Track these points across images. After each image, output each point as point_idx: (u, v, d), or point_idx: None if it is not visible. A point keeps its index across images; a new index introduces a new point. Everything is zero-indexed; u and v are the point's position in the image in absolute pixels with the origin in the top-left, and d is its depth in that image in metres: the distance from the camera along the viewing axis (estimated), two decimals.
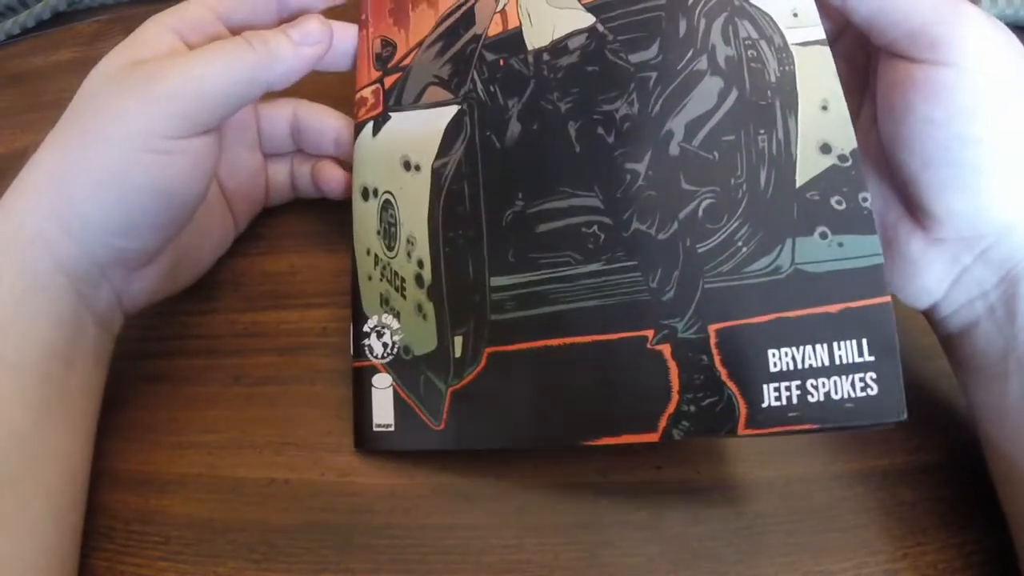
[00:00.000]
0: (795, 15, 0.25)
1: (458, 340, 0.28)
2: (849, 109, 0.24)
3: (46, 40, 0.47)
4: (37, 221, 0.26)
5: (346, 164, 0.32)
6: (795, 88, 0.25)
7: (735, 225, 0.24)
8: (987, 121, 0.23)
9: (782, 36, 0.25)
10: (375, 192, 0.31)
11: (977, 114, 0.23)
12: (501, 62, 0.29)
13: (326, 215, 0.36)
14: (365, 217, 0.31)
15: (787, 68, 0.25)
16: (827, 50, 0.25)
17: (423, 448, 0.29)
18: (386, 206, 0.30)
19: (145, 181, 0.26)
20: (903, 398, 0.22)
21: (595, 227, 0.26)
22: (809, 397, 0.23)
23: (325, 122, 0.33)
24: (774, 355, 0.23)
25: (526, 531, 0.29)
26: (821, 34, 0.25)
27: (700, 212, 0.25)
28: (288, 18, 0.30)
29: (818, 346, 0.23)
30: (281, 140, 0.34)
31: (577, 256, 0.26)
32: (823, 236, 0.24)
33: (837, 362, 0.23)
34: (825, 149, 0.24)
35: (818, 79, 0.24)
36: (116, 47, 0.27)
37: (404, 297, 0.30)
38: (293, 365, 0.33)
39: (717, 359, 0.24)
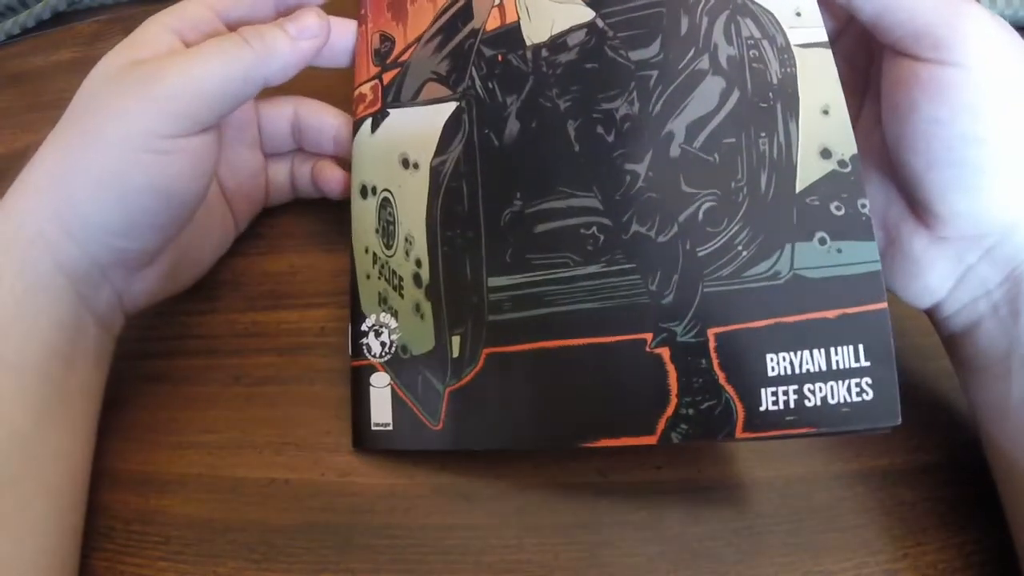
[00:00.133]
0: (798, 14, 0.25)
1: (456, 340, 0.28)
2: (850, 110, 0.24)
3: (46, 40, 0.47)
4: (37, 221, 0.26)
5: (345, 164, 0.32)
6: (796, 91, 0.25)
7: (735, 229, 0.24)
8: (991, 120, 0.23)
9: (784, 36, 0.25)
10: (374, 190, 0.31)
11: (981, 113, 0.23)
12: (500, 58, 0.29)
13: (326, 215, 0.36)
14: (364, 215, 0.31)
15: (789, 70, 0.25)
16: (829, 53, 0.24)
17: (421, 448, 0.29)
18: (385, 204, 0.30)
19: (145, 181, 0.26)
20: (898, 403, 0.22)
21: (594, 228, 0.26)
22: (806, 401, 0.23)
23: (324, 120, 0.33)
24: (772, 359, 0.23)
25: (526, 531, 0.29)
26: (823, 36, 0.25)
27: (700, 215, 0.25)
28: (285, 12, 0.30)
29: (815, 351, 0.23)
30: (282, 139, 0.34)
31: (576, 258, 0.26)
32: (822, 242, 0.24)
33: (834, 367, 0.23)
34: (825, 154, 0.24)
35: (819, 83, 0.24)
36: (115, 47, 0.27)
37: (402, 296, 0.30)
38: (293, 365, 0.33)
39: (716, 363, 0.24)
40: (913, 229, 0.25)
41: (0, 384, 0.25)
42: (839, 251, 0.23)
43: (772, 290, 0.24)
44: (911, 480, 0.28)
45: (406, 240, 0.30)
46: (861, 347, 0.23)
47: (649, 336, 0.25)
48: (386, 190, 0.30)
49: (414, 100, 0.30)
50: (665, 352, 0.25)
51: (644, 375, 0.25)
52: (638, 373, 0.25)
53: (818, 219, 0.24)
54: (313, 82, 0.32)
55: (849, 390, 0.23)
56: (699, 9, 0.26)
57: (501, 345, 0.27)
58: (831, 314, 0.23)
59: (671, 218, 0.25)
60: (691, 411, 0.24)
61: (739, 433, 0.23)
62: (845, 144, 0.24)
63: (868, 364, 0.23)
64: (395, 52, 0.31)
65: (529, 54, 0.28)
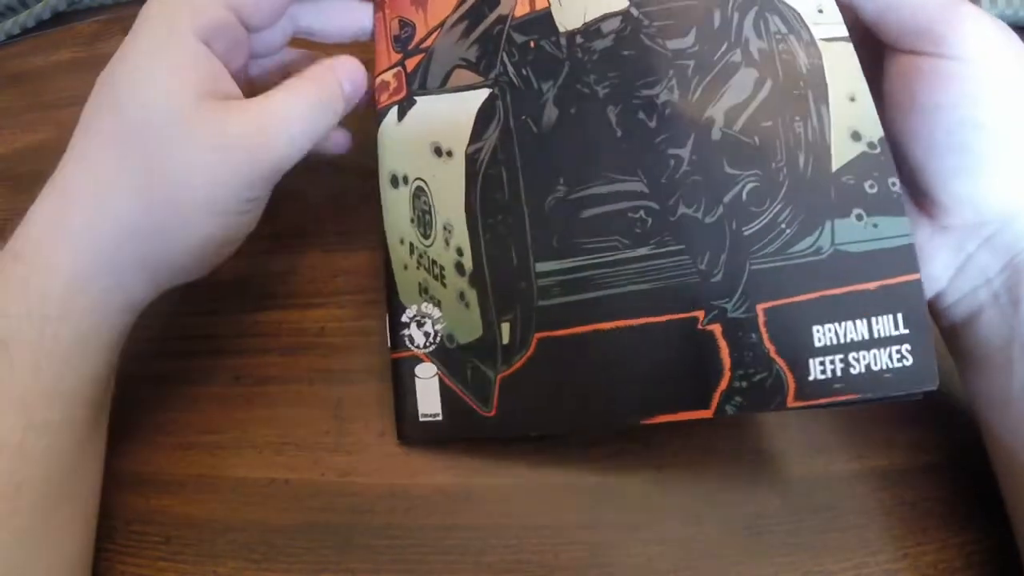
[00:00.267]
0: (820, 11, 0.26)
1: (505, 327, 0.28)
2: None
3: (46, 40, 0.47)
4: (120, 270, 0.26)
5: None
6: (824, 80, 0.25)
7: (778, 208, 0.25)
8: (991, 108, 0.24)
9: (809, 31, 0.26)
10: (405, 179, 0.31)
11: (981, 101, 0.24)
12: (532, 44, 0.29)
13: (327, 215, 0.36)
14: (396, 205, 0.31)
15: (816, 61, 0.25)
16: (850, 46, 0.25)
17: (475, 436, 0.29)
18: (418, 193, 0.30)
19: (226, 235, 0.28)
20: (935, 368, 0.24)
21: (641, 212, 0.27)
22: (852, 369, 0.24)
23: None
24: (818, 331, 0.24)
25: (526, 531, 0.29)
26: (844, 31, 0.25)
27: (744, 195, 0.25)
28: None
29: (858, 321, 0.24)
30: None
31: (624, 241, 0.27)
32: (859, 218, 0.24)
33: (876, 336, 0.24)
34: (856, 136, 0.25)
35: (844, 73, 0.25)
36: (148, 61, 0.26)
37: (444, 285, 0.30)
38: (293, 365, 0.33)
39: (765, 336, 0.25)
40: (915, 219, 0.26)
41: (51, 416, 0.25)
42: (875, 226, 0.24)
43: (816, 265, 0.25)
44: (911, 480, 0.29)
45: (444, 229, 0.30)
46: (900, 316, 0.24)
47: (701, 314, 0.25)
48: (419, 179, 0.30)
49: (442, 87, 0.30)
50: (717, 328, 0.25)
51: (697, 352, 0.25)
52: (691, 350, 0.26)
53: (854, 197, 0.25)
54: None
55: (891, 356, 0.24)
56: (730, 5, 0.26)
57: (552, 329, 0.28)
58: (871, 286, 0.24)
59: (716, 199, 0.26)
60: (744, 384, 0.25)
61: (790, 402, 0.24)
62: (872, 128, 0.25)
63: (907, 331, 0.24)
64: (417, 38, 0.31)
65: (563, 40, 0.28)
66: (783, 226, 0.25)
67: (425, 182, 0.30)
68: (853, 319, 0.24)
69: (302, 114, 0.28)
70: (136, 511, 0.31)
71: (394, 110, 0.31)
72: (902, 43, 0.25)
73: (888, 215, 0.24)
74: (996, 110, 0.24)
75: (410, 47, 0.31)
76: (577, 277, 0.27)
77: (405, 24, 0.31)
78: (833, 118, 0.25)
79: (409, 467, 0.30)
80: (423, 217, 0.30)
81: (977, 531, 0.27)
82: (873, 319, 0.24)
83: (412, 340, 0.30)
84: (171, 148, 0.26)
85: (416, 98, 0.30)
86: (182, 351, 0.34)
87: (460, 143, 0.29)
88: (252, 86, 0.30)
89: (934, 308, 0.27)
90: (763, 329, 0.25)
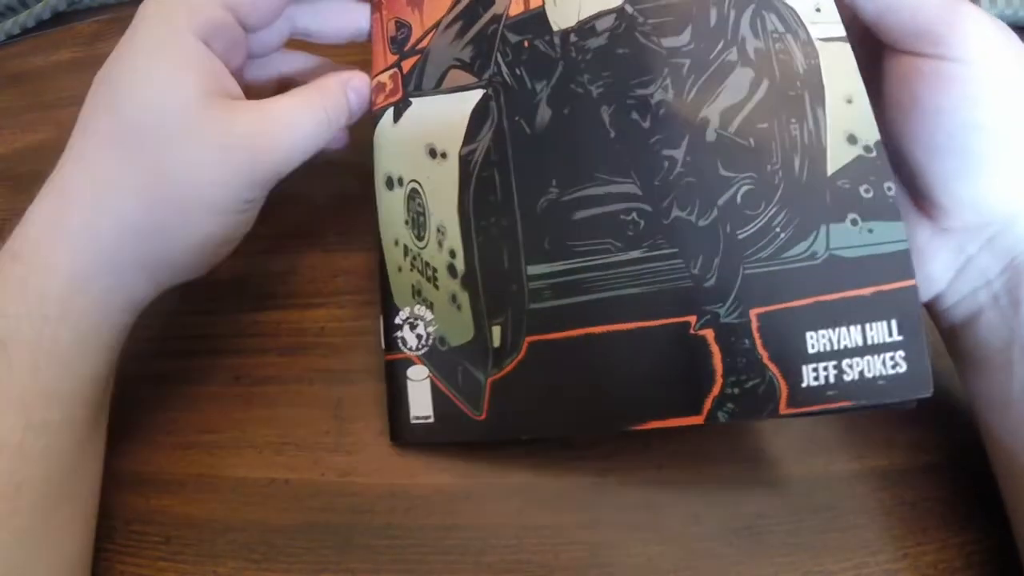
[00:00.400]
0: (818, 10, 0.26)
1: (496, 330, 0.28)
2: None
3: (46, 40, 0.47)
4: (117, 271, 0.26)
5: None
6: (821, 81, 0.25)
7: (773, 211, 0.25)
8: (991, 110, 0.24)
9: (806, 31, 0.26)
10: (400, 181, 0.30)
11: (982, 103, 0.23)
12: (526, 43, 0.28)
13: (326, 215, 0.36)
14: (391, 207, 0.31)
15: (812, 62, 0.25)
16: (848, 46, 0.25)
17: (465, 439, 0.29)
18: (413, 195, 0.30)
19: (225, 234, 0.28)
20: (930, 375, 0.23)
21: (634, 214, 0.26)
22: (845, 376, 0.24)
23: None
24: (812, 337, 0.24)
25: (526, 531, 0.29)
26: (842, 31, 0.25)
27: (739, 198, 0.25)
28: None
29: (852, 327, 0.24)
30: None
31: (617, 244, 0.26)
32: (854, 223, 0.24)
33: (870, 342, 0.24)
34: (852, 140, 0.25)
35: (841, 74, 0.25)
36: (148, 61, 0.26)
37: (437, 287, 0.29)
38: (293, 365, 0.33)
39: (759, 342, 0.25)
40: (916, 221, 0.26)
41: (51, 416, 0.25)
42: (870, 231, 0.24)
43: (810, 270, 0.24)
44: (911, 480, 0.29)
45: (438, 231, 0.29)
46: (894, 322, 0.24)
47: (693, 319, 0.25)
48: (413, 181, 0.30)
49: (437, 88, 0.30)
50: (709, 334, 0.25)
51: (689, 357, 0.25)
52: (683, 355, 0.25)
53: (849, 201, 0.24)
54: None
55: (884, 363, 0.24)
56: (726, 2, 0.26)
57: (543, 333, 0.27)
58: (866, 291, 0.24)
59: (711, 202, 0.25)
60: (736, 390, 0.25)
61: (783, 409, 0.24)
62: (869, 131, 0.25)
63: (901, 338, 0.23)
64: (413, 39, 0.31)
65: (557, 39, 0.28)
66: (778, 230, 0.25)
67: (420, 184, 0.30)
68: (847, 325, 0.24)
69: (306, 122, 0.28)
70: (136, 511, 0.30)
71: (390, 112, 0.31)
72: (902, 44, 0.25)
73: (883, 220, 0.24)
74: (997, 112, 0.24)
75: (406, 48, 0.31)
76: (569, 280, 0.27)
77: (401, 25, 0.31)
78: (829, 120, 0.25)
79: (409, 467, 0.30)
80: (417, 219, 0.30)
81: (977, 531, 0.27)
82: (867, 325, 0.24)
83: (405, 342, 0.30)
84: (173, 147, 0.26)
85: (411, 99, 0.30)
86: (182, 351, 0.34)
87: (454, 144, 0.29)
88: (249, 87, 0.30)
89: (934, 309, 0.27)
90: (756, 335, 0.25)
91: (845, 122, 0.25)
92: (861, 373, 0.24)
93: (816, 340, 0.24)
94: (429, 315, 0.30)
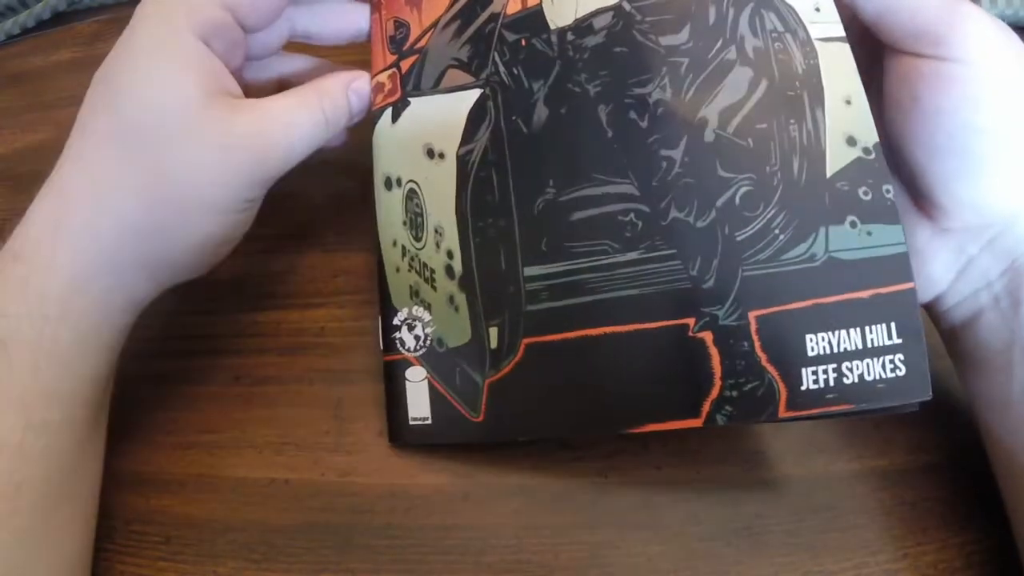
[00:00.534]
0: (817, 10, 0.25)
1: (493, 331, 0.28)
2: None
3: (46, 40, 0.47)
4: (117, 271, 0.26)
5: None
6: (820, 81, 0.25)
7: (771, 213, 0.25)
8: (992, 111, 0.23)
9: (805, 30, 0.25)
10: (398, 181, 0.30)
11: (982, 104, 0.23)
12: (523, 42, 0.28)
13: (326, 215, 0.36)
14: (389, 208, 0.31)
15: (812, 62, 0.25)
16: (847, 47, 0.25)
17: (463, 441, 0.29)
18: (411, 196, 0.30)
19: (225, 234, 0.28)
20: (928, 378, 0.23)
21: (632, 215, 0.26)
22: (844, 379, 0.24)
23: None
24: (811, 340, 0.24)
25: (526, 531, 0.29)
26: (841, 31, 0.25)
27: (737, 200, 0.25)
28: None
29: (852, 330, 0.24)
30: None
31: (614, 245, 0.26)
32: (853, 225, 0.24)
33: (869, 345, 0.23)
34: (851, 141, 0.25)
35: (840, 74, 0.25)
36: (148, 60, 0.26)
37: (435, 288, 0.29)
38: (293, 365, 0.33)
39: (758, 345, 0.24)
40: (916, 222, 0.26)
41: (51, 416, 0.25)
42: (869, 234, 0.24)
43: (809, 272, 0.24)
44: (911, 480, 0.29)
45: (435, 232, 0.29)
46: (893, 325, 0.23)
47: (691, 321, 0.25)
48: (411, 181, 0.30)
49: (435, 88, 0.30)
50: (708, 336, 0.25)
51: (688, 359, 0.25)
52: (681, 358, 0.25)
53: (848, 203, 0.24)
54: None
55: (883, 367, 0.23)
56: (725, 0, 0.26)
57: (540, 335, 0.27)
58: (865, 294, 0.24)
59: (709, 203, 0.25)
60: (735, 393, 0.24)
61: (782, 412, 0.24)
62: (868, 133, 0.24)
63: (900, 341, 0.23)
64: (411, 38, 0.30)
65: (554, 38, 0.28)
66: (776, 232, 0.25)
67: (418, 184, 0.30)
68: (846, 328, 0.24)
69: (304, 122, 0.28)
70: (136, 511, 0.30)
71: (388, 112, 0.31)
72: (902, 44, 0.25)
73: (882, 223, 0.24)
74: (997, 113, 0.24)
75: (405, 48, 0.31)
76: (566, 282, 0.27)
77: (400, 25, 0.31)
78: (828, 121, 0.25)
79: (409, 467, 0.30)
80: (415, 220, 0.30)
81: (977, 531, 0.27)
82: (866, 328, 0.24)
83: (403, 343, 0.30)
84: (173, 147, 0.26)
85: (410, 99, 0.30)
86: (182, 351, 0.34)
87: (452, 145, 0.29)
88: (249, 88, 0.30)
89: (934, 311, 0.27)
90: (755, 337, 0.24)
91: (844, 123, 0.25)
92: (860, 376, 0.23)
93: (816, 343, 0.24)
94: (427, 316, 0.30)
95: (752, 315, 0.24)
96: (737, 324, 0.25)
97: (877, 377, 0.23)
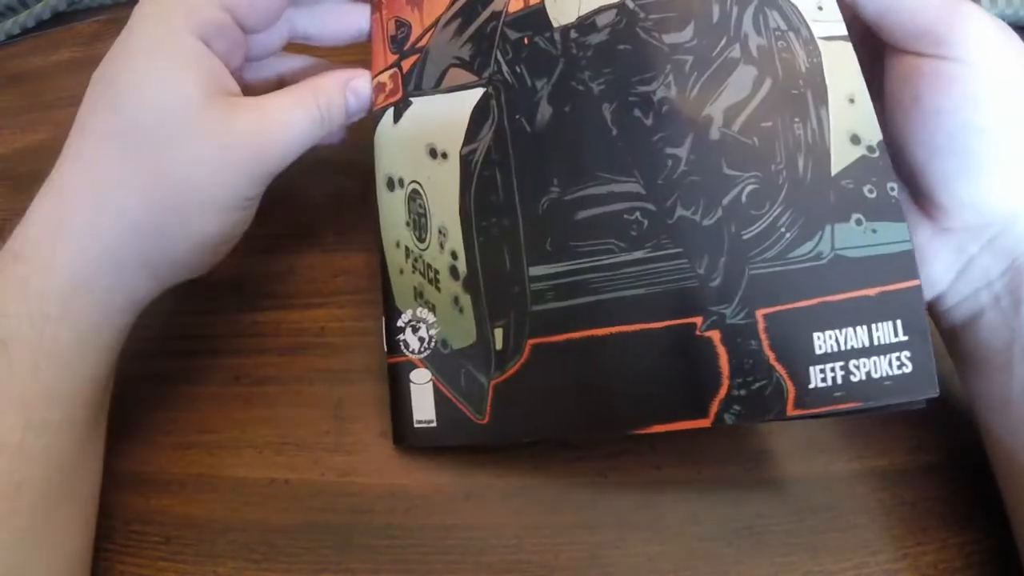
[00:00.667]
0: (820, 8, 0.25)
1: (498, 332, 0.28)
2: None
3: (46, 40, 0.47)
4: (118, 270, 0.26)
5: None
6: (824, 80, 0.25)
7: (778, 211, 0.25)
8: (992, 111, 0.24)
9: (808, 29, 0.25)
10: (400, 182, 0.30)
11: (982, 104, 0.23)
12: (525, 40, 0.28)
13: (326, 215, 0.36)
14: (392, 208, 0.30)
15: (815, 60, 0.25)
16: (849, 46, 0.25)
17: (468, 443, 0.29)
18: (414, 196, 0.30)
19: (225, 232, 0.28)
20: (935, 375, 0.23)
21: (637, 213, 0.26)
22: (852, 377, 0.24)
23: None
24: (819, 338, 0.24)
25: (526, 531, 0.29)
26: (843, 30, 0.25)
27: (743, 198, 0.25)
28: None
29: (859, 328, 0.24)
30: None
31: (620, 244, 0.26)
32: (858, 223, 0.24)
33: (876, 343, 0.24)
34: (855, 140, 0.25)
35: (843, 73, 0.25)
36: (148, 60, 0.26)
37: (439, 290, 0.29)
38: (293, 365, 0.33)
39: (765, 343, 0.24)
40: (917, 221, 0.26)
41: (51, 416, 0.25)
42: (874, 231, 0.24)
43: (816, 270, 0.24)
44: (911, 480, 0.28)
45: (439, 232, 0.29)
46: (899, 322, 0.23)
47: (699, 320, 0.25)
48: (414, 182, 0.30)
49: (437, 87, 0.30)
50: (715, 335, 0.25)
51: (695, 359, 0.25)
52: (689, 357, 0.25)
53: (853, 201, 0.24)
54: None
55: (890, 364, 0.23)
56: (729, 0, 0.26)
57: (546, 335, 0.27)
58: (871, 292, 0.24)
59: (715, 201, 0.25)
60: (743, 392, 0.24)
61: (790, 411, 0.24)
62: (871, 131, 0.25)
63: (906, 338, 0.23)
64: (412, 38, 0.30)
65: (557, 36, 0.28)
66: (783, 230, 0.25)
67: (421, 185, 0.30)
68: (853, 326, 0.24)
69: (301, 120, 0.28)
70: (136, 511, 0.31)
71: (390, 112, 0.30)
72: (903, 44, 0.25)
73: (887, 221, 0.24)
74: (997, 113, 0.24)
75: (406, 47, 0.30)
76: (571, 281, 0.27)
77: (401, 24, 0.31)
78: (832, 120, 0.25)
79: (409, 467, 0.30)
80: (419, 220, 0.30)
81: (977, 531, 0.27)
82: (873, 326, 0.24)
83: (407, 345, 0.30)
84: (174, 146, 0.26)
85: (411, 99, 0.30)
86: (182, 351, 0.34)
87: (455, 144, 0.29)
88: (249, 88, 0.30)
89: (935, 310, 0.27)
90: (763, 335, 0.24)
91: (848, 122, 0.25)
92: (868, 374, 0.23)
93: (823, 341, 0.24)
94: (431, 318, 0.29)
95: (759, 313, 0.24)
96: (744, 323, 0.25)
97: (884, 375, 0.23)
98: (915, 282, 0.24)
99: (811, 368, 0.24)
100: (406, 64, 0.30)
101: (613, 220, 0.26)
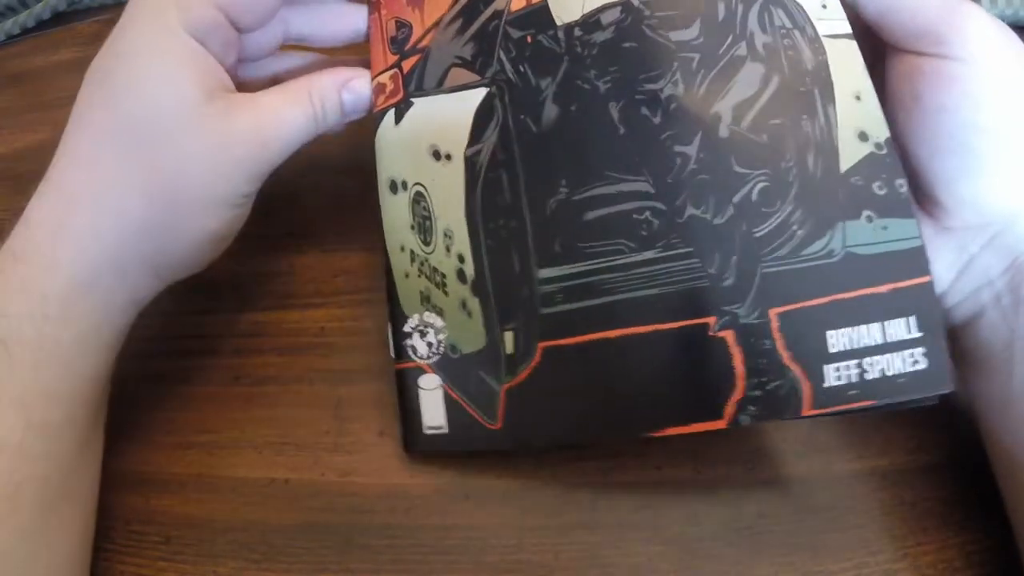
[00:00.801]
0: (824, 7, 0.26)
1: (508, 336, 0.28)
2: None
3: (46, 40, 0.47)
4: (120, 268, 0.26)
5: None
6: (830, 78, 0.25)
7: (789, 209, 0.25)
8: (992, 110, 0.24)
9: (813, 27, 0.25)
10: (404, 184, 0.30)
11: (983, 103, 0.24)
12: (528, 39, 0.28)
13: (326, 215, 0.36)
14: (395, 211, 0.30)
15: (820, 58, 0.25)
16: (854, 44, 0.25)
17: (481, 449, 0.29)
18: (418, 199, 0.29)
19: (224, 228, 0.28)
20: (948, 370, 0.23)
21: (647, 213, 0.26)
22: (866, 375, 0.24)
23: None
24: (832, 336, 0.24)
25: (526, 531, 0.29)
26: (847, 28, 0.25)
27: (754, 195, 0.25)
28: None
29: (872, 325, 0.24)
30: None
31: (630, 244, 0.26)
32: (869, 220, 0.24)
33: (889, 340, 0.24)
34: (863, 137, 0.25)
35: (849, 71, 0.25)
36: (144, 58, 0.26)
37: (446, 294, 0.29)
38: (293, 365, 0.33)
39: (780, 343, 0.24)
40: (918, 220, 0.26)
41: (51, 416, 0.25)
42: (884, 228, 0.24)
43: (828, 268, 0.24)
44: (911, 480, 0.28)
45: (445, 235, 0.29)
46: (912, 319, 0.24)
47: (712, 320, 0.25)
48: (418, 184, 0.29)
49: (439, 88, 0.29)
50: (729, 335, 0.25)
51: (709, 360, 0.25)
52: (703, 358, 0.25)
53: (863, 198, 0.24)
54: None
55: (904, 361, 0.23)
56: None
57: (557, 338, 0.27)
58: (883, 289, 0.24)
59: (726, 199, 0.25)
60: (758, 392, 0.24)
61: (805, 410, 0.24)
62: (879, 128, 0.25)
63: (921, 335, 0.23)
64: (413, 38, 0.30)
65: (561, 34, 0.27)
66: (794, 228, 0.24)
67: (424, 187, 0.29)
68: (866, 323, 0.24)
69: (296, 118, 0.28)
70: (136, 511, 0.30)
71: (391, 113, 0.30)
72: (904, 43, 0.25)
73: (897, 217, 0.24)
74: (997, 112, 0.24)
75: (407, 48, 0.30)
76: (581, 283, 0.26)
77: (402, 25, 0.30)
78: (840, 117, 0.25)
79: (409, 467, 0.30)
80: (423, 223, 0.29)
81: (977, 531, 0.27)
82: (886, 323, 0.24)
83: (415, 350, 0.29)
84: (172, 143, 0.26)
85: (413, 100, 0.30)
86: (182, 351, 0.34)
87: (459, 145, 0.29)
88: (244, 85, 0.30)
89: None
90: (777, 335, 0.24)
91: (855, 119, 0.25)
92: (882, 371, 0.23)
93: (836, 339, 0.24)
94: (439, 322, 0.29)
95: (773, 312, 0.24)
96: (758, 322, 0.24)
97: (898, 372, 0.23)
98: (927, 278, 0.24)
99: (826, 367, 0.24)
100: (407, 65, 0.30)
101: (622, 220, 0.26)
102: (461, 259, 0.28)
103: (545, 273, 0.27)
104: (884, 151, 0.24)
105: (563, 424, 0.27)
